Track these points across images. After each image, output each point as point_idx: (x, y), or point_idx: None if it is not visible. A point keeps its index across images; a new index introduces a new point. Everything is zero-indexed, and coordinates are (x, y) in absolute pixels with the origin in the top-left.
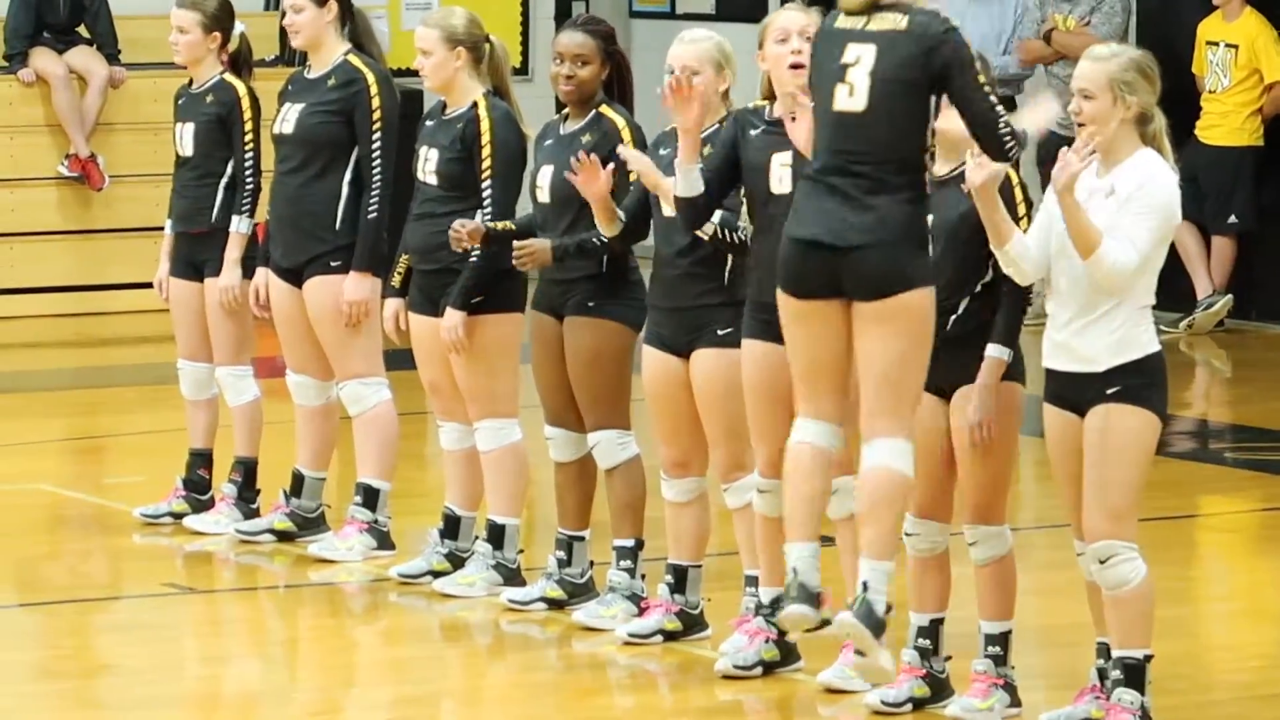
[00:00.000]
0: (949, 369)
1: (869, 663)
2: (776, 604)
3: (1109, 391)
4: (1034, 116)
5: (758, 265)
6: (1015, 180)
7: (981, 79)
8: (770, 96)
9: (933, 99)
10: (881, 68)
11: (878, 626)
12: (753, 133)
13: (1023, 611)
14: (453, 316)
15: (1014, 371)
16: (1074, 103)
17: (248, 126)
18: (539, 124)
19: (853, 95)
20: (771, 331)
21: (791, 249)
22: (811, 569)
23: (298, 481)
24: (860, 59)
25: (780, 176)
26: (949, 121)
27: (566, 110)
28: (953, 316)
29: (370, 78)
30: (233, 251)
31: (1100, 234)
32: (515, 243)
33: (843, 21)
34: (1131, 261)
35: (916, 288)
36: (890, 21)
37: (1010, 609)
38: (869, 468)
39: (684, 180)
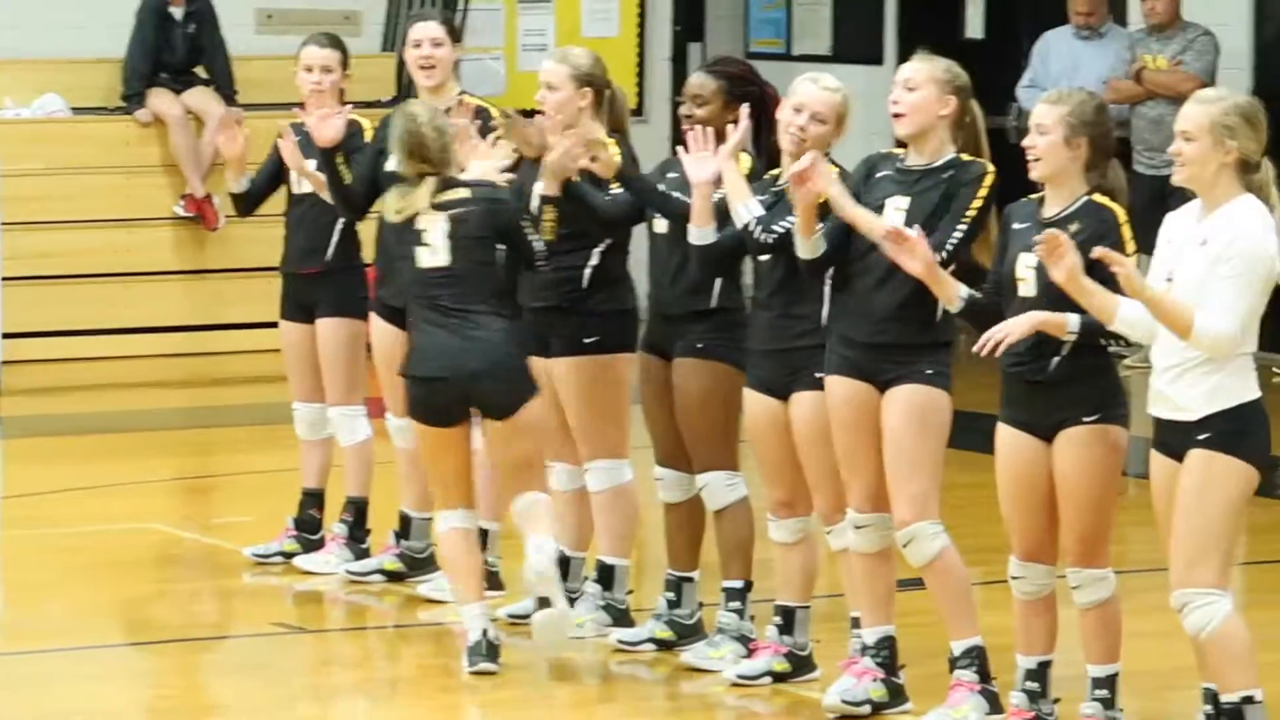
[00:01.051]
0: (1050, 410)
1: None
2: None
3: (1200, 438)
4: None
5: (842, 301)
6: (1122, 219)
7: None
8: (901, 144)
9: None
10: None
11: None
12: (878, 175)
13: (1131, 655)
14: None
15: (1118, 414)
16: (1174, 143)
17: None
18: (652, 166)
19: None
20: (853, 367)
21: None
22: (484, 622)
23: (405, 522)
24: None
25: (890, 219)
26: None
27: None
28: (1055, 358)
29: None
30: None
31: (1191, 312)
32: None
33: None
34: (1230, 329)
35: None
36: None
37: (1116, 652)
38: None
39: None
